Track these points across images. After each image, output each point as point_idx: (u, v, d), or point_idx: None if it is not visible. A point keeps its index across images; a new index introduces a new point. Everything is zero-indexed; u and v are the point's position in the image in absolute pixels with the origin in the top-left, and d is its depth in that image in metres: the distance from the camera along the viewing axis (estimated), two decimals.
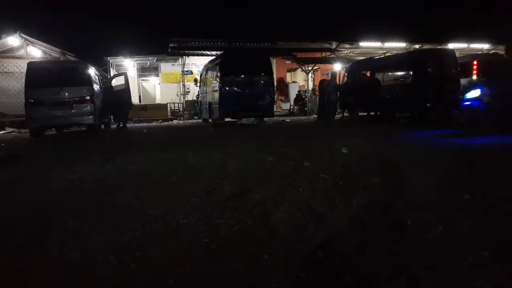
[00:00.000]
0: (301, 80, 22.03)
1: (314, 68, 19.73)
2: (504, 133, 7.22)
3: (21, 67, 14.06)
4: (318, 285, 1.74)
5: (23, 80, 11.39)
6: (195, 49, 19.89)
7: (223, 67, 12.54)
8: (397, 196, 3.13)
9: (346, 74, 14.85)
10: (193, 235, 2.37)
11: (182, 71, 20.21)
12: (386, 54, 19.76)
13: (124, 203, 3.21)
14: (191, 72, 20.62)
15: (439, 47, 18.50)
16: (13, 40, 15.37)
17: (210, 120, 14.26)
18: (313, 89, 19.01)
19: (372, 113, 13.22)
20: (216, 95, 12.61)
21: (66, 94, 11.18)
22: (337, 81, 14.19)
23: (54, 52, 16.51)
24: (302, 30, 25.24)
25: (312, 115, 17.03)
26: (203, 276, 1.84)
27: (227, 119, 13.13)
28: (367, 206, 2.90)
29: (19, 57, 15.61)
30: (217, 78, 12.66)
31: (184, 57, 19.53)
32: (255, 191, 3.41)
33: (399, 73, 12.18)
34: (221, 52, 15.35)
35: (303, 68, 19.40)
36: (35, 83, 10.91)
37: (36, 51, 16.05)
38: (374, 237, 2.28)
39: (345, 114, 14.52)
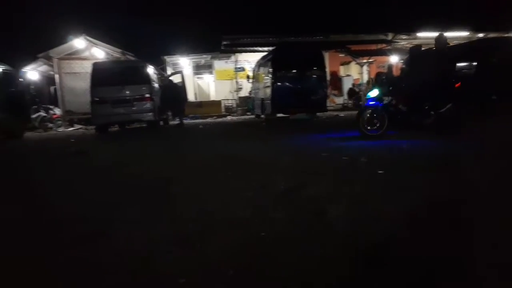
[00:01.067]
0: (355, 74, 21.47)
1: (369, 60, 19.13)
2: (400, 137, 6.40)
3: (87, 67, 14.99)
4: (374, 283, 1.71)
5: (89, 80, 12.19)
6: (247, 46, 20.09)
7: (275, 62, 12.54)
8: (448, 193, 2.97)
9: (403, 66, 14.22)
10: (249, 229, 2.42)
11: (235, 68, 20.53)
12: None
13: (184, 196, 3.34)
14: (243, 69, 20.88)
15: (506, 35, 17.10)
16: (79, 43, 16.44)
17: (262, 116, 14.35)
18: (368, 82, 18.41)
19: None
20: (268, 90, 12.65)
21: (127, 92, 11.79)
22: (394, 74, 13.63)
23: (116, 53, 17.46)
24: (356, 22, 24.52)
25: None
26: (260, 270, 1.87)
27: (279, 115, 13.15)
28: (426, 203, 2.78)
29: (85, 58, 16.71)
30: (269, 74, 12.70)
31: (236, 54, 19.81)
32: (309, 186, 3.39)
33: (462, 64, 11.43)
34: (273, 48, 15.37)
35: (357, 61, 18.89)
36: (99, 82, 11.63)
37: (99, 52, 17.06)
38: (433, 236, 2.18)
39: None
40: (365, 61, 18.69)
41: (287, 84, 12.39)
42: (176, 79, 15.33)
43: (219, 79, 22.48)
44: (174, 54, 20.85)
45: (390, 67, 13.18)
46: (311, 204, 2.88)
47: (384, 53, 18.87)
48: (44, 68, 18.03)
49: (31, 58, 17.12)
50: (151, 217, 2.80)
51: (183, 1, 39.88)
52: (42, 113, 15.66)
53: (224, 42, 20.41)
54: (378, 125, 6.54)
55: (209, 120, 17.26)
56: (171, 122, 15.14)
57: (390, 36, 20.55)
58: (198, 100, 21.60)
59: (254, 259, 1.98)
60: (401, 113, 6.60)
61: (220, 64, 22.18)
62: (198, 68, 23.80)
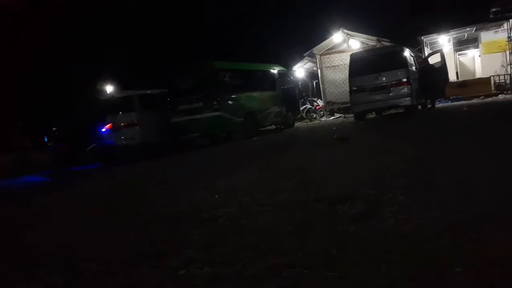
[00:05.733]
0: None
1: None
2: None
3: (345, 59, 15.91)
4: None
5: (347, 71, 12.97)
6: None
7: None
8: None
9: None
10: None
11: (509, 37, 17.17)
12: None
13: (451, 184, 3.21)
14: None
15: None
16: (337, 37, 17.62)
17: None
18: None
19: None
20: None
21: (384, 78, 11.88)
22: None
23: (371, 41, 17.76)
24: None
25: None
26: None
27: None
28: None
29: (342, 51, 17.78)
30: None
31: (510, 20, 16.51)
32: None
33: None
34: None
35: None
36: (357, 72, 12.21)
37: (355, 43, 17.76)
38: None
39: None
40: None
41: None
42: (434, 59, 14.27)
43: (487, 53, 19.34)
44: (432, 32, 19.33)
45: None
46: None
47: None
48: (308, 65, 20.33)
49: (299, 57, 19.65)
50: (414, 202, 2.85)
51: None
52: (308, 105, 17.83)
53: (494, 9, 17.36)
54: None
55: (474, 101, 15.24)
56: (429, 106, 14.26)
57: None
58: (461, 79, 19.32)
59: None
60: None
61: (488, 35, 18.99)
62: (460, 44, 21.22)
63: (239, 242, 2.54)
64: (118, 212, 4.08)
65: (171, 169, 7.64)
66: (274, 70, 14.27)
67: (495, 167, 3.52)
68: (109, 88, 17.91)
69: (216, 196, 4.02)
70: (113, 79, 18.62)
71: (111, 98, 14.18)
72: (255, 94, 12.76)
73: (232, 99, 11.72)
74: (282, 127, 14.35)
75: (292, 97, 15.00)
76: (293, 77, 17.66)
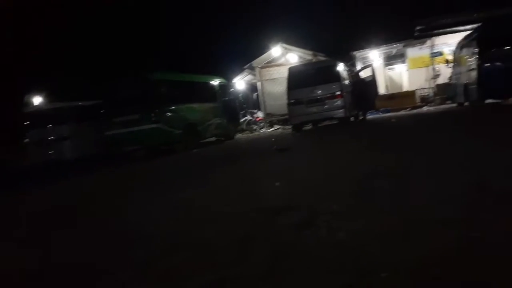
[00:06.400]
0: None
1: None
2: None
3: (283, 73, 16.38)
4: None
5: (285, 84, 13.34)
6: (446, 27, 18.07)
7: (483, 40, 10.89)
8: None
9: None
10: None
11: (431, 54, 18.82)
12: None
13: (384, 191, 3.35)
14: (441, 53, 18.87)
15: None
16: (276, 51, 18.15)
17: (466, 104, 12.72)
18: None
19: None
20: (474, 74, 11.10)
21: (320, 91, 12.38)
22: None
23: (308, 55, 18.49)
24: None
25: None
26: None
27: (488, 101, 11.37)
28: None
29: (281, 65, 18.32)
30: (475, 54, 11.13)
31: (432, 38, 18.10)
32: None
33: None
34: (478, 25, 13.38)
35: None
36: (294, 85, 12.60)
37: (293, 57, 18.41)
38: None
39: None
40: None
41: (498, 64, 10.60)
42: (366, 73, 15.16)
43: (412, 68, 20.98)
44: (363, 48, 20.59)
45: None
46: None
47: None
48: (248, 77, 20.65)
49: (239, 70, 19.88)
50: (350, 210, 2.94)
51: None
52: (248, 117, 18.04)
53: (418, 27, 18.92)
54: None
55: (402, 112, 16.38)
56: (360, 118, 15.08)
57: None
58: (390, 92, 20.72)
59: None
60: None
61: (413, 52, 20.64)
62: (389, 59, 22.80)
63: (175, 259, 2.43)
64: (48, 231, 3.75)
65: (100, 185, 7.23)
66: (215, 82, 14.26)
67: (426, 172, 3.76)
68: (38, 100, 16.81)
69: (152, 212, 3.86)
70: (44, 90, 17.51)
71: (41, 110, 13.29)
72: (195, 105, 12.63)
73: (171, 111, 11.48)
74: (223, 139, 14.33)
75: (233, 109, 15.07)
76: (234, 89, 17.78)
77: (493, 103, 11.42)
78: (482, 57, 10.72)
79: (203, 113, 12.90)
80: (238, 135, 16.26)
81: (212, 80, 14.16)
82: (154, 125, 10.63)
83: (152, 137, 10.77)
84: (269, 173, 5.26)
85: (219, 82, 14.35)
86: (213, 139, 14.24)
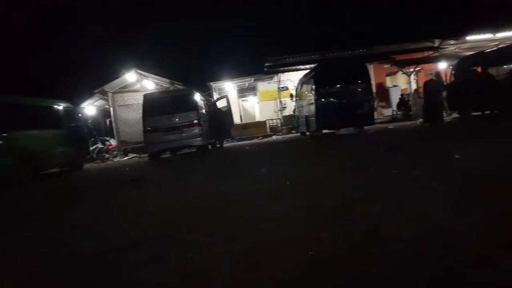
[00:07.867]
0: (402, 84, 20.85)
1: (416, 69, 18.51)
2: None
3: (138, 99, 15.81)
4: None
5: (141, 111, 12.85)
6: (290, 65, 20.28)
7: (317, 79, 12.57)
8: None
9: (453, 72, 13.66)
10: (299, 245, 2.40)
11: (278, 88, 20.80)
12: (499, 46, 17.40)
13: (241, 217, 3.39)
14: (287, 88, 21.11)
15: None
16: (131, 76, 17.43)
17: (307, 133, 14.31)
18: (416, 91, 17.72)
19: (487, 112, 11.92)
20: (312, 107, 12.65)
21: (177, 119, 12.30)
22: (443, 81, 13.16)
23: (164, 83, 18.30)
24: (399, 31, 23.97)
25: (418, 119, 15.88)
26: None
27: (325, 131, 13.06)
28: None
29: (136, 91, 17.66)
30: (312, 91, 12.72)
31: (279, 74, 20.06)
32: (366, 204, 3.32)
33: None
34: (315, 65, 15.41)
35: (404, 70, 18.37)
36: (150, 112, 12.24)
37: (149, 84, 17.96)
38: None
39: (455, 115, 13.32)
40: (412, 70, 18.11)
41: (331, 99, 12.33)
42: (222, 103, 15.77)
43: (263, 100, 22.83)
44: (219, 79, 21.52)
45: (438, 74, 12.73)
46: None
47: (431, 60, 18.23)
48: (99, 102, 19.26)
49: (88, 94, 18.40)
50: (204, 239, 2.87)
51: (227, 30, 41.30)
52: (99, 145, 16.64)
53: (267, 64, 20.72)
54: None
55: (255, 141, 17.47)
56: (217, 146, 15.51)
57: (437, 43, 19.81)
58: (244, 122, 22.00)
59: None
60: None
61: (263, 86, 22.58)
62: (242, 91, 24.32)
63: None
64: None
65: None
66: (59, 106, 12.77)
67: (274, 198, 3.96)
68: None
69: None
70: None
71: None
72: (34, 132, 11.02)
73: (2, 139, 9.79)
74: (69, 169, 12.83)
75: (80, 136, 13.65)
76: (82, 115, 16.27)
77: (327, 133, 13.12)
78: (318, 94, 12.32)
79: (44, 140, 11.34)
80: (88, 165, 14.83)
81: (55, 104, 12.63)
82: None
83: None
84: (117, 209, 4.85)
85: (64, 107, 12.89)
86: (57, 170, 12.63)
